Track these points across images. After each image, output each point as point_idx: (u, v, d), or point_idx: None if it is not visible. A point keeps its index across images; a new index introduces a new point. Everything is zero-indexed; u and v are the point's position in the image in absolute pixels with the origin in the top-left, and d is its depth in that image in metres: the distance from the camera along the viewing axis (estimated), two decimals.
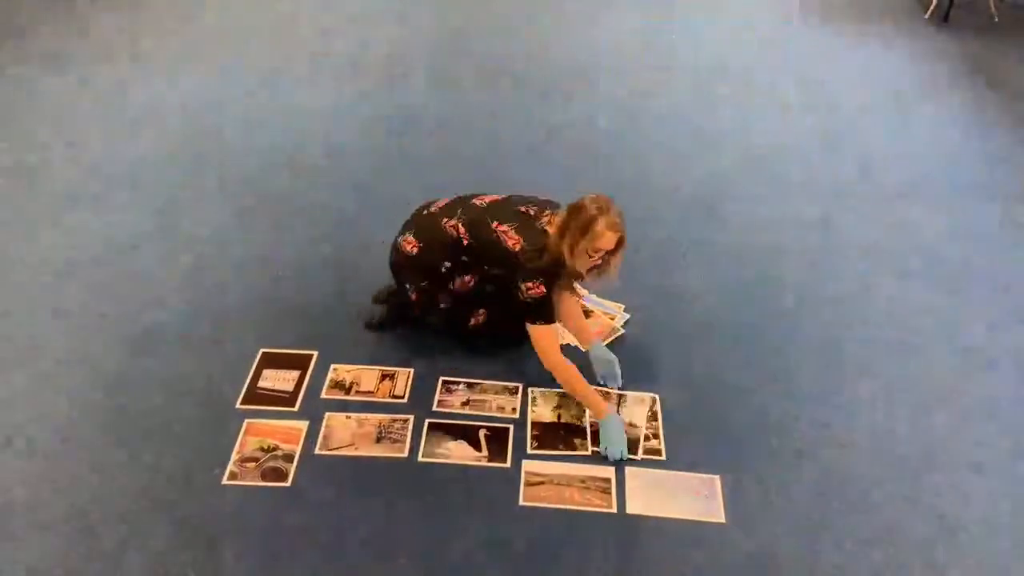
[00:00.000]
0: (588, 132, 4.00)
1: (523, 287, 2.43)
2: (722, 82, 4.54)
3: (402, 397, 2.54)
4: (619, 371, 2.62)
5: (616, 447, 2.38)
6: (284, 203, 3.44)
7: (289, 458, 2.34)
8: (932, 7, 5.43)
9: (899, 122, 4.20)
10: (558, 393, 2.56)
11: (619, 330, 2.82)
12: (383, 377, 2.61)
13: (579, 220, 2.37)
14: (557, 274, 2.47)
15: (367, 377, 2.61)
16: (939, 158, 3.89)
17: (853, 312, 2.94)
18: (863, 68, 4.76)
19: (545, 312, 2.49)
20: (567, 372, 2.50)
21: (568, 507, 2.23)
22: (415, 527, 2.17)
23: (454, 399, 2.54)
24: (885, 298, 3.01)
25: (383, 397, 2.55)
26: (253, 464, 2.32)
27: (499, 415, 2.50)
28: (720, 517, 2.21)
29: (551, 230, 2.45)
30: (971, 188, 3.66)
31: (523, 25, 5.20)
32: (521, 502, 2.24)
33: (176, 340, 2.73)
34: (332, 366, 2.64)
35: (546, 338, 2.50)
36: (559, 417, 2.49)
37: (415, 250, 2.59)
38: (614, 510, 2.23)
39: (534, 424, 2.47)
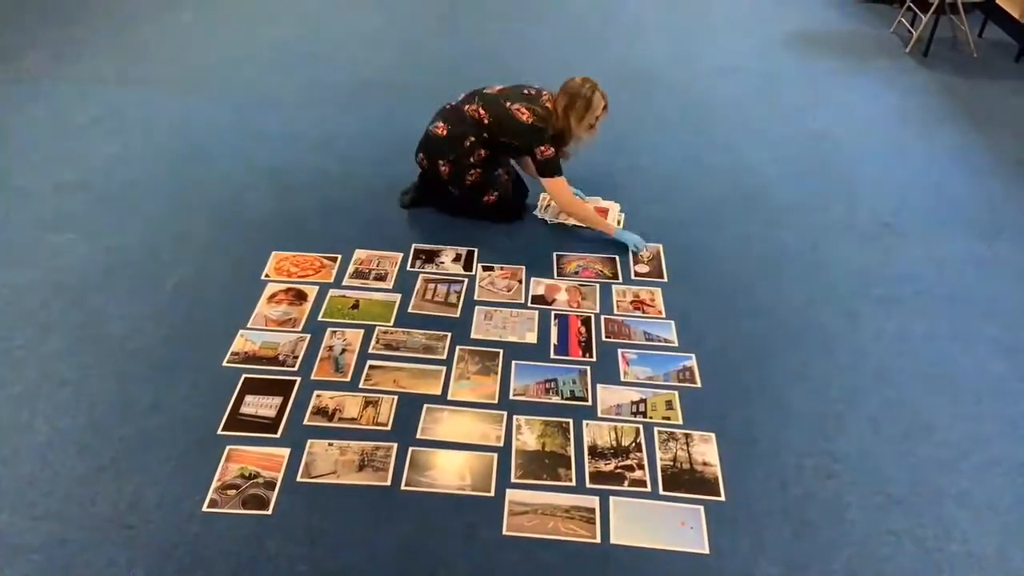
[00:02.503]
0: (579, 160, 4.03)
1: (538, 151, 3.26)
2: (708, 115, 4.59)
3: (385, 424, 2.53)
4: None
5: (636, 241, 3.36)
6: (272, 227, 3.43)
7: (271, 486, 2.31)
8: (912, 42, 5.53)
9: (882, 154, 4.25)
10: (543, 421, 2.56)
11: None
12: (366, 404, 2.60)
13: (581, 99, 3.23)
14: (560, 140, 3.30)
15: (350, 404, 2.60)
16: (922, 190, 3.93)
17: (835, 341, 2.96)
18: (845, 101, 4.83)
19: (556, 168, 3.30)
20: (581, 206, 3.46)
21: (552, 537, 2.21)
22: (398, 556, 2.15)
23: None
24: (870, 328, 3.02)
25: (366, 424, 2.53)
26: (234, 491, 2.29)
27: (482, 442, 2.49)
28: (703, 548, 2.20)
29: (551, 107, 3.27)
30: (954, 220, 3.70)
31: (518, 55, 5.25)
32: (505, 532, 2.22)
33: (159, 365, 2.71)
34: (315, 392, 2.63)
35: (559, 186, 3.33)
36: (544, 446, 2.48)
37: (445, 132, 3.34)
38: (598, 540, 2.21)
39: (518, 453, 2.46)
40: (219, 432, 2.47)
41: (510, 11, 5.99)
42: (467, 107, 3.32)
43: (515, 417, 2.58)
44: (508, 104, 3.27)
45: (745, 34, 5.77)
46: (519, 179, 3.63)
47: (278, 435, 2.48)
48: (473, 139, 3.31)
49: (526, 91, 3.34)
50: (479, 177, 3.40)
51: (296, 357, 2.77)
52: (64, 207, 3.50)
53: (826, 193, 3.88)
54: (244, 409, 2.56)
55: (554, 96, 3.31)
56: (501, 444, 2.48)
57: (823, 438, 2.56)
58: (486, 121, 3.28)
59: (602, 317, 3.02)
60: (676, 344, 2.91)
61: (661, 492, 2.36)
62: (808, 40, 5.69)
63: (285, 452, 2.42)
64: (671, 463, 2.45)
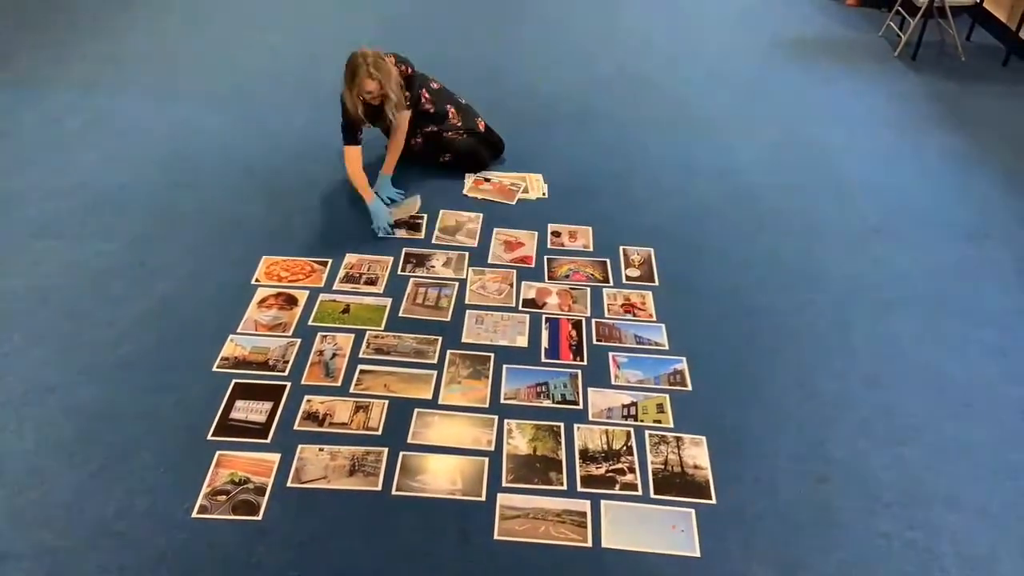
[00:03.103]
0: (574, 163, 4.04)
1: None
2: (699, 119, 4.60)
3: (376, 429, 2.52)
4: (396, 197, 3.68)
5: (382, 222, 3.41)
6: (262, 232, 3.42)
7: (261, 491, 2.30)
8: (901, 46, 5.56)
9: (872, 158, 4.26)
10: (534, 425, 2.56)
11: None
12: (357, 409, 2.59)
13: (349, 71, 3.27)
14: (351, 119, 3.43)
15: (341, 408, 2.59)
16: (911, 193, 3.95)
17: (829, 345, 2.96)
18: (835, 105, 4.85)
19: (344, 136, 3.49)
20: (355, 170, 3.51)
21: (543, 541, 2.21)
22: (389, 562, 2.14)
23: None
24: (860, 332, 3.03)
25: (357, 429, 2.52)
26: (224, 497, 2.28)
27: (473, 446, 2.48)
28: (695, 551, 2.20)
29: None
30: (943, 223, 3.72)
31: (509, 59, 5.26)
32: (496, 536, 2.22)
33: (148, 370, 2.69)
34: (306, 397, 2.62)
35: (348, 156, 3.51)
36: (535, 450, 2.48)
37: None
38: (589, 544, 2.21)
39: (509, 457, 2.45)
40: (209, 437, 2.46)
41: (503, 15, 6.00)
42: None
43: (506, 421, 2.57)
44: None
45: (735, 39, 5.79)
46: (482, 136, 3.93)
47: (268, 440, 2.47)
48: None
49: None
50: (421, 146, 3.81)
51: (286, 362, 2.76)
52: (52, 212, 3.48)
53: (816, 197, 3.89)
54: (234, 414, 2.55)
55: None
56: (492, 448, 2.48)
57: (814, 441, 2.57)
58: None
59: (593, 320, 3.02)
60: (667, 347, 2.91)
61: (652, 496, 2.36)
62: (798, 45, 5.71)
63: (275, 457, 2.41)
64: (662, 466, 2.45)
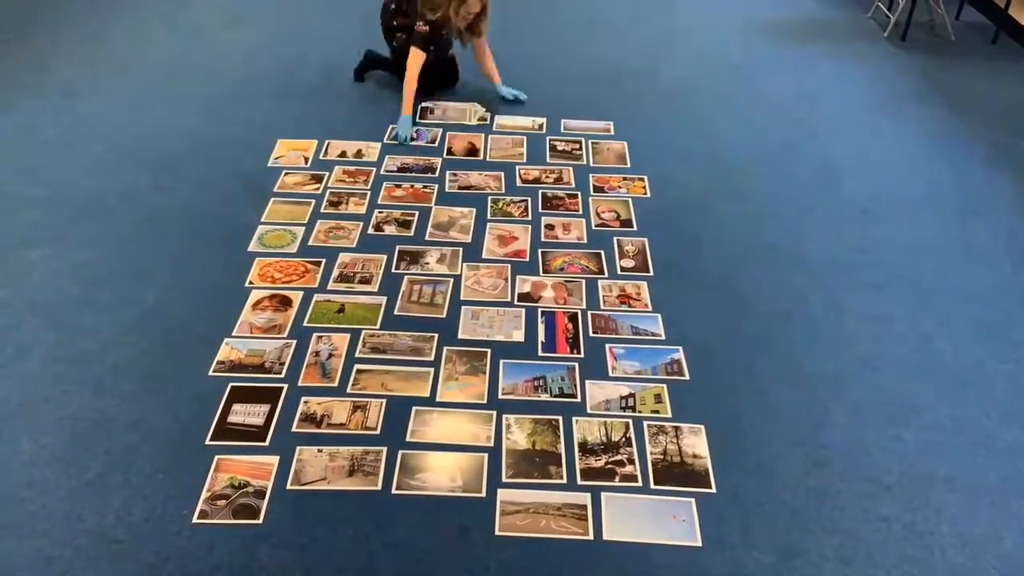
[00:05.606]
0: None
1: (417, 24, 4.05)
2: (688, 106, 4.59)
3: (374, 428, 2.52)
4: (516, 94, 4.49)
5: (404, 131, 4.04)
6: (246, 233, 3.40)
7: (260, 495, 2.30)
8: (890, 27, 5.55)
9: (862, 140, 4.26)
10: (532, 420, 2.55)
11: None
12: (355, 408, 2.58)
13: None
14: (443, 25, 4.06)
15: (338, 409, 2.58)
16: (900, 174, 3.95)
17: (819, 329, 2.97)
18: (825, 88, 4.84)
19: (423, 44, 4.08)
20: (411, 78, 4.11)
21: (544, 535, 2.21)
22: (392, 561, 2.14)
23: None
24: (850, 314, 3.04)
25: (355, 429, 2.51)
26: (224, 502, 2.28)
27: (472, 443, 2.48)
28: (696, 540, 2.21)
29: None
30: (932, 203, 3.72)
31: (506, 59, 5.22)
32: (497, 532, 2.22)
33: (143, 378, 2.68)
34: (303, 399, 2.61)
35: (415, 58, 4.09)
36: (534, 444, 2.48)
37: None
38: (591, 537, 2.21)
39: (509, 452, 2.45)
40: (207, 442, 2.45)
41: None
42: None
43: (504, 416, 2.57)
44: None
45: (723, 23, 5.76)
46: (449, 63, 4.53)
47: (267, 443, 2.46)
48: (394, 6, 4.31)
49: None
50: (403, 42, 4.24)
51: (283, 364, 2.75)
52: (36, 222, 3.42)
53: (807, 180, 3.88)
54: (231, 418, 2.54)
55: None
56: (491, 444, 2.48)
57: (811, 427, 2.57)
58: None
59: (589, 313, 3.01)
60: (663, 337, 2.91)
61: (652, 486, 2.36)
62: (786, 27, 5.69)
63: (274, 460, 2.40)
64: (661, 456, 2.45)
